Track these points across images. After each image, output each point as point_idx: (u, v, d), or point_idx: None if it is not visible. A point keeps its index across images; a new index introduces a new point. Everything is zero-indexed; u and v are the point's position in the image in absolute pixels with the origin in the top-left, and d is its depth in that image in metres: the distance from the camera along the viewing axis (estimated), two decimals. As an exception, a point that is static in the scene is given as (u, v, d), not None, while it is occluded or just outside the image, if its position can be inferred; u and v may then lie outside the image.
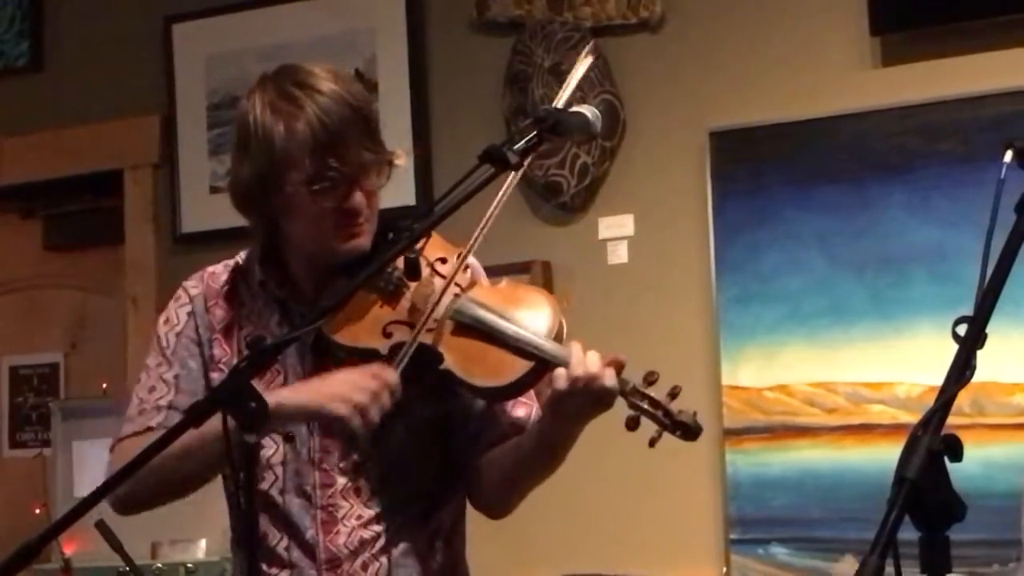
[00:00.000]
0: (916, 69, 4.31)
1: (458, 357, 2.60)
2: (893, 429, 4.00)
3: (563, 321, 2.63)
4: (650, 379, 2.57)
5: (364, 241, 2.65)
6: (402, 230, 2.52)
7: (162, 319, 2.80)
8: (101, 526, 4.11)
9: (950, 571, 1.84)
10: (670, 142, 4.58)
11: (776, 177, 4.43)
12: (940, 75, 4.24)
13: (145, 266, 5.22)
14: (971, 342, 1.98)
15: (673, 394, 2.57)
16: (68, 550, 4.63)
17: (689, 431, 2.59)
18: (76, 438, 4.94)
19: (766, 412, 4.39)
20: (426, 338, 2.59)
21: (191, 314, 2.76)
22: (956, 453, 1.77)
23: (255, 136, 2.60)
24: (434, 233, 2.66)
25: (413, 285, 2.66)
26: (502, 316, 2.61)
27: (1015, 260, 1.99)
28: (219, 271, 2.79)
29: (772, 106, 4.44)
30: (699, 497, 4.45)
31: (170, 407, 2.70)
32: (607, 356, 2.54)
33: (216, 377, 2.72)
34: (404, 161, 2.76)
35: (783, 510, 4.32)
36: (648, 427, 2.57)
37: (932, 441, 1.77)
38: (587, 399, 2.53)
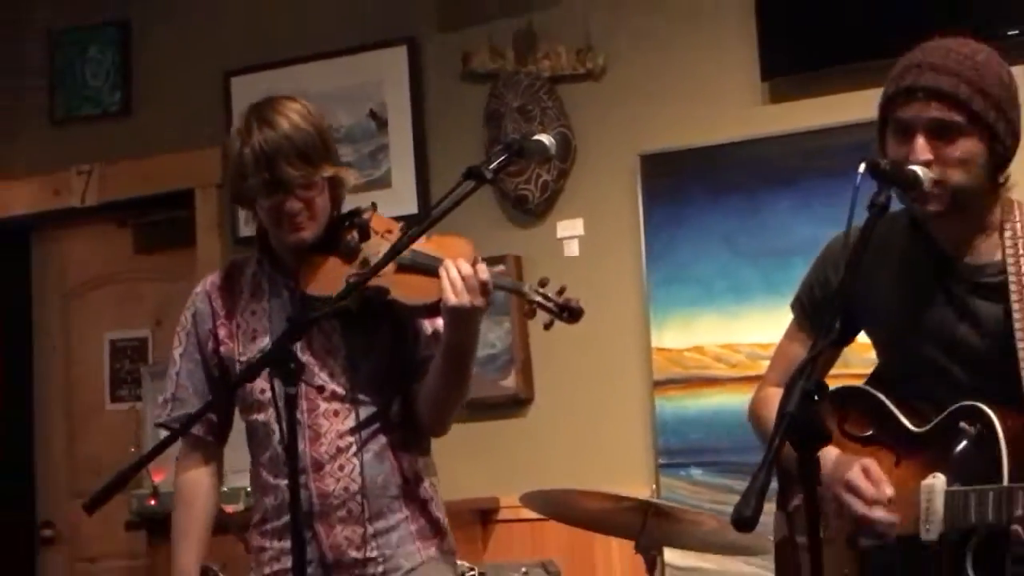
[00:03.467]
0: (797, 106, 4.33)
1: (400, 289, 2.60)
2: (782, 379, 4.00)
3: (478, 255, 2.60)
4: (542, 283, 2.55)
5: (306, 235, 2.68)
6: (403, 229, 2.64)
7: (188, 309, 2.88)
8: (180, 460, 4.13)
9: (819, 484, 1.87)
10: (610, 163, 4.57)
11: (691, 189, 4.43)
12: (815, 110, 4.27)
13: (212, 263, 5.18)
14: (835, 311, 2.02)
15: (560, 291, 2.53)
16: (156, 479, 4.64)
17: (573, 313, 2.54)
18: (160, 394, 4.94)
19: (685, 367, 4.39)
20: (375, 282, 2.56)
21: (194, 315, 2.85)
22: (823, 393, 1.79)
23: (229, 151, 2.76)
24: (383, 216, 2.75)
25: (364, 245, 2.68)
26: (430, 255, 2.60)
27: (867, 246, 2.02)
28: (218, 273, 2.90)
29: (688, 135, 4.44)
30: (635, 433, 4.46)
31: (173, 399, 2.83)
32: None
33: (224, 351, 2.79)
34: (352, 178, 2.82)
35: (699, 442, 4.34)
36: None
37: (806, 384, 1.79)
38: (470, 300, 2.51)
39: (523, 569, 3.97)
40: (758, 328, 4.23)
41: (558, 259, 4.58)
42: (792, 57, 4.32)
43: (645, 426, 4.44)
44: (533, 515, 3.79)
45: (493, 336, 4.51)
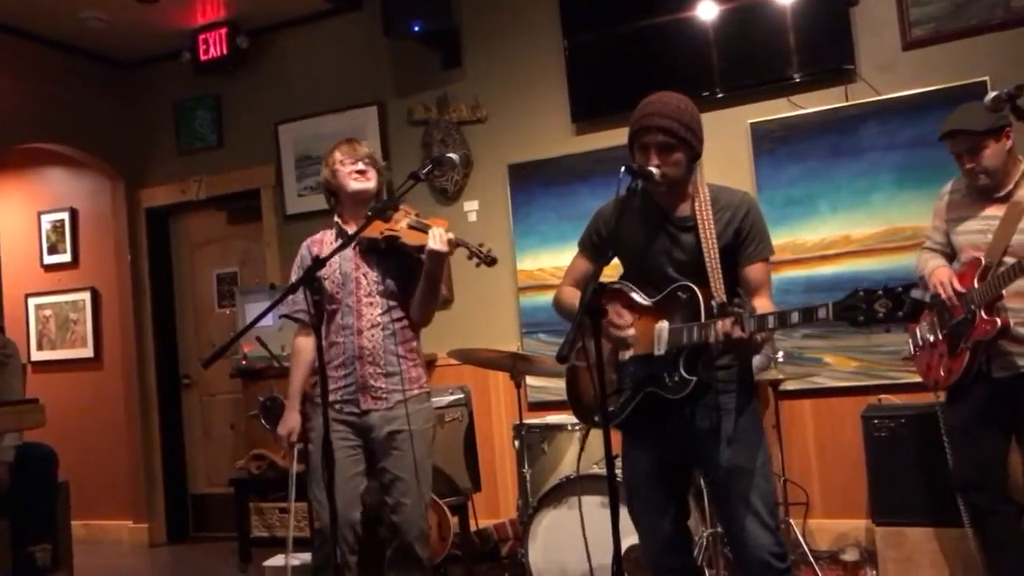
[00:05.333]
0: (590, 136, 4.32)
1: (406, 238, 2.66)
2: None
3: (448, 227, 2.69)
4: (480, 244, 2.64)
5: (371, 185, 2.74)
6: (385, 204, 2.67)
7: (298, 255, 2.82)
8: (259, 340, 4.06)
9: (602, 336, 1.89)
10: (491, 170, 4.53)
11: (535, 183, 4.41)
12: (600, 139, 4.26)
13: (271, 231, 5.11)
14: (606, 248, 2.03)
15: (488, 249, 2.64)
16: (246, 349, 4.57)
17: (492, 260, 2.63)
18: (245, 303, 4.85)
19: (536, 279, 4.40)
20: (396, 233, 2.65)
21: (301, 257, 2.78)
22: (602, 289, 1.82)
23: (330, 160, 2.76)
24: (406, 207, 2.78)
25: (395, 216, 2.71)
26: (425, 223, 2.67)
27: (624, 210, 2.03)
28: (319, 233, 2.84)
29: (532, 153, 4.43)
30: (508, 314, 4.47)
31: (292, 302, 2.74)
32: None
33: (319, 273, 2.72)
34: (384, 171, 2.85)
35: (542, 319, 4.37)
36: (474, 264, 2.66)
37: (595, 287, 1.82)
38: (444, 247, 2.62)
39: (450, 390, 4.01)
40: (568, 258, 4.24)
41: (464, 223, 4.56)
42: (586, 109, 4.32)
43: (514, 311, 4.46)
44: (455, 362, 3.80)
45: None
